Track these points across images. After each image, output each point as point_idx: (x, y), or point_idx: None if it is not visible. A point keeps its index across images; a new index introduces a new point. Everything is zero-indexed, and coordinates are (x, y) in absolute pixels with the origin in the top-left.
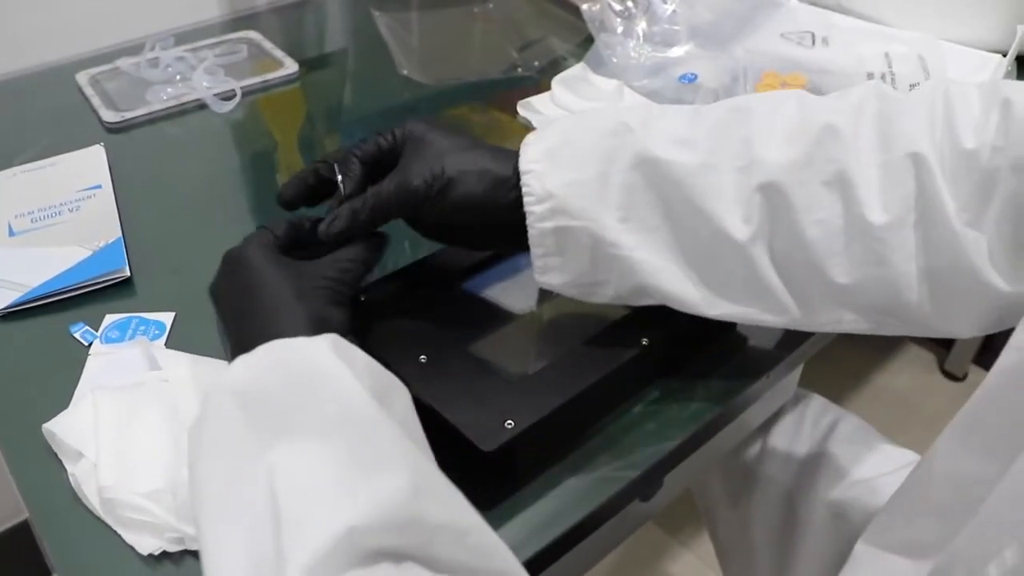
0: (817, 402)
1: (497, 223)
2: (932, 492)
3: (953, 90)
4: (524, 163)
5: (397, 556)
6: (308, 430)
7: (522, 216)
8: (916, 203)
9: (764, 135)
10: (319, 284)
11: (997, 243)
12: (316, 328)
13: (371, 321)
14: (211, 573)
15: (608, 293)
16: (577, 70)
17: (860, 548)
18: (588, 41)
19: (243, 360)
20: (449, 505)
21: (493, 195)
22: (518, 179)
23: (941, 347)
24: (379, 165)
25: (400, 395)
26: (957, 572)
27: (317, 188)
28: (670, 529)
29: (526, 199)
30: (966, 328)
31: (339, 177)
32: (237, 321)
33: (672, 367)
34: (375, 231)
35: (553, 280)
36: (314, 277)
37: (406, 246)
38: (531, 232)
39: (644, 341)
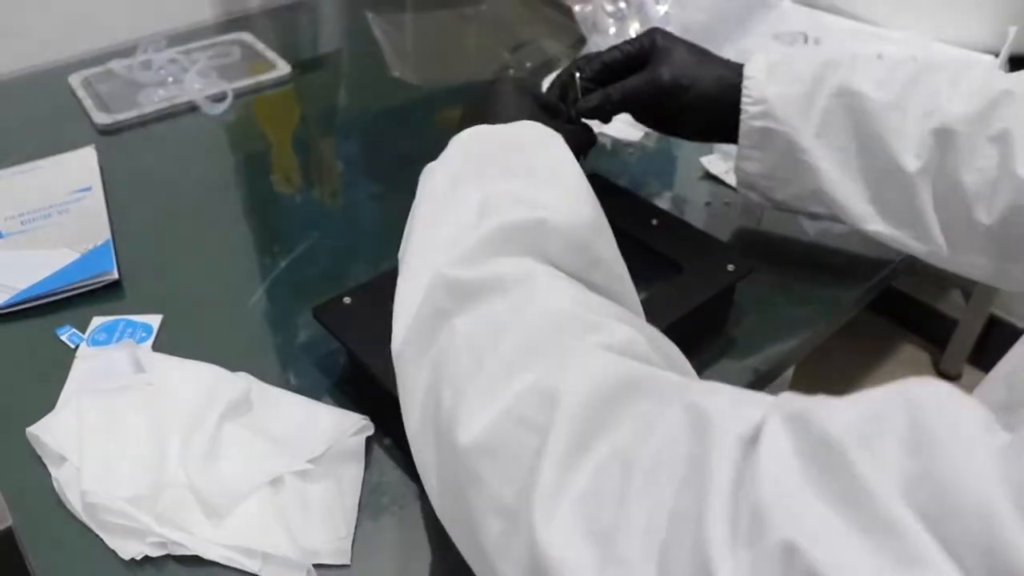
0: None
1: (718, 120)
2: None
3: None
4: (748, 70)
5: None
6: (519, 174)
7: (739, 114)
8: None
9: (949, 90)
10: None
11: None
12: None
13: (356, 321)
14: (417, 245)
15: (789, 191)
16: None
17: None
18: (581, 42)
19: (475, 128)
20: (614, 249)
21: (722, 96)
22: (739, 87)
23: (936, 347)
24: (622, 70)
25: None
26: None
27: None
28: None
29: (744, 99)
30: None
31: (577, 75)
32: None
33: None
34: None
35: (750, 168)
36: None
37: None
38: (742, 127)
39: None
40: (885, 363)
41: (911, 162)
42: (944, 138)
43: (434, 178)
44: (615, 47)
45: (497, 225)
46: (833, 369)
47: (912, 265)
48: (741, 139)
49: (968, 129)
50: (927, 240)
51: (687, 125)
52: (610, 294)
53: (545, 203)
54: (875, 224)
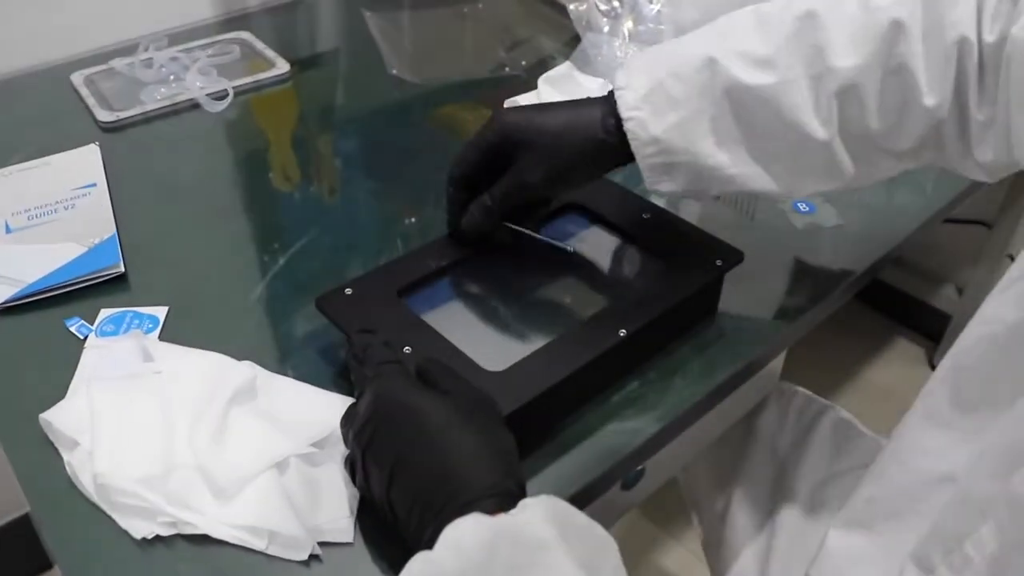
0: (801, 396)
1: (612, 163)
2: (897, 476)
3: None
4: (624, 109)
5: None
6: None
7: (626, 151)
8: (955, 84)
9: (834, 41)
10: (478, 408)
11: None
12: (505, 471)
13: (357, 312)
14: None
15: (712, 193)
16: (563, 68)
17: (833, 535)
18: (575, 40)
19: (452, 540)
20: None
21: (601, 148)
22: (618, 126)
23: (929, 340)
24: (489, 167)
25: (609, 554)
26: (934, 553)
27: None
28: (661, 522)
29: (632, 142)
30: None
31: (450, 189)
32: (412, 472)
33: (651, 357)
34: None
35: (663, 189)
36: (471, 402)
37: (399, 244)
38: (642, 165)
39: (622, 332)
40: (879, 358)
41: (821, 131)
42: (846, 95)
43: None
44: (471, 145)
45: None
46: (828, 364)
47: (904, 259)
48: (644, 172)
49: (865, 78)
50: (842, 179)
51: (582, 181)
52: None
53: None
54: (799, 192)
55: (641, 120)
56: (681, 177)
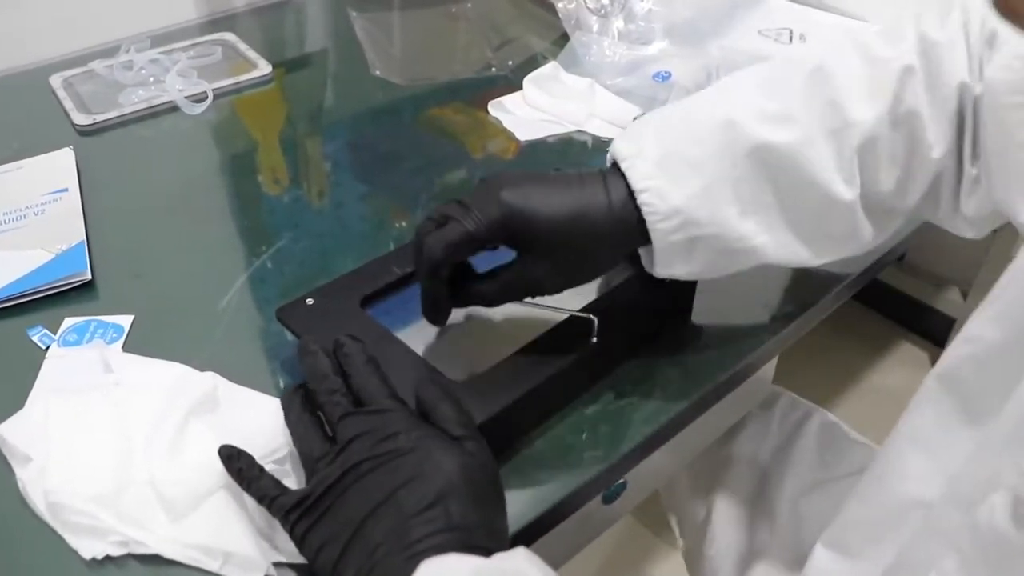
0: (786, 399)
1: (616, 260)
2: (879, 500)
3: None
4: (636, 181)
5: None
6: None
7: (642, 231)
8: (956, 134)
9: (849, 94)
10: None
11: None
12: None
13: (318, 323)
14: None
15: (728, 271)
16: (548, 69)
17: (819, 550)
18: (564, 39)
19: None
20: None
21: (614, 247)
22: (633, 205)
23: (933, 344)
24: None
25: None
26: None
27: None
28: (656, 530)
29: (650, 218)
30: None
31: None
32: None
33: (625, 361)
34: None
35: (677, 272)
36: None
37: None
38: (659, 246)
39: (593, 340)
40: (883, 362)
41: (846, 192)
42: (865, 151)
43: None
44: (465, 237)
45: None
46: (830, 368)
47: (908, 262)
48: (659, 254)
49: (881, 131)
50: (865, 246)
51: (593, 275)
52: None
53: None
54: (823, 259)
55: (659, 189)
56: (701, 255)
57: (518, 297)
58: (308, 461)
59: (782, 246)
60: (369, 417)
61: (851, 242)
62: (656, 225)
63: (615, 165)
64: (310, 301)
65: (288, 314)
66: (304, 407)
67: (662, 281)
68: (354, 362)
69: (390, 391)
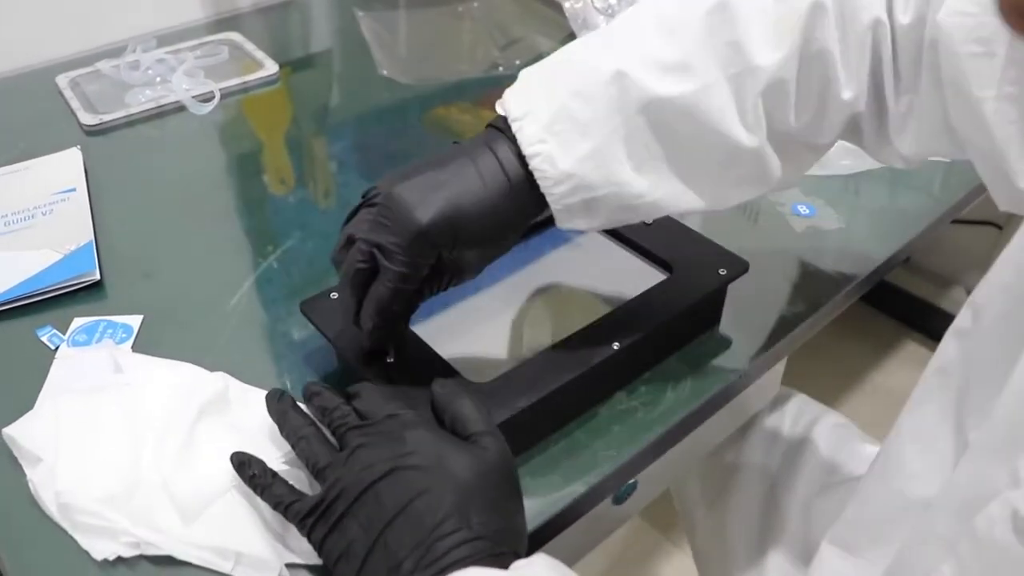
0: (797, 400)
1: (527, 222)
2: (881, 499)
3: None
4: (527, 145)
5: None
6: None
7: (536, 196)
8: (871, 73)
9: (752, 35)
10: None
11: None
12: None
13: (337, 322)
14: None
15: (632, 221)
16: None
17: (825, 547)
18: (571, 38)
19: None
20: None
21: (521, 214)
22: (525, 170)
23: (939, 343)
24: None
25: None
26: None
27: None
28: (664, 529)
29: (542, 183)
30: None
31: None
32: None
33: (644, 371)
34: None
35: (578, 226)
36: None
37: None
38: (556, 207)
39: (615, 345)
40: (888, 361)
41: (748, 138)
42: (770, 94)
43: None
44: (408, 268)
45: None
46: (836, 368)
47: (913, 261)
48: (557, 215)
49: (788, 72)
50: (772, 183)
51: (510, 246)
52: None
53: None
54: (728, 203)
55: (549, 154)
56: (601, 213)
57: (442, 289)
58: (314, 469)
59: (683, 197)
60: (376, 425)
61: (759, 184)
62: (550, 190)
63: (505, 122)
64: (334, 295)
65: (312, 308)
66: (300, 415)
67: (692, 302)
68: (361, 390)
69: (397, 404)
